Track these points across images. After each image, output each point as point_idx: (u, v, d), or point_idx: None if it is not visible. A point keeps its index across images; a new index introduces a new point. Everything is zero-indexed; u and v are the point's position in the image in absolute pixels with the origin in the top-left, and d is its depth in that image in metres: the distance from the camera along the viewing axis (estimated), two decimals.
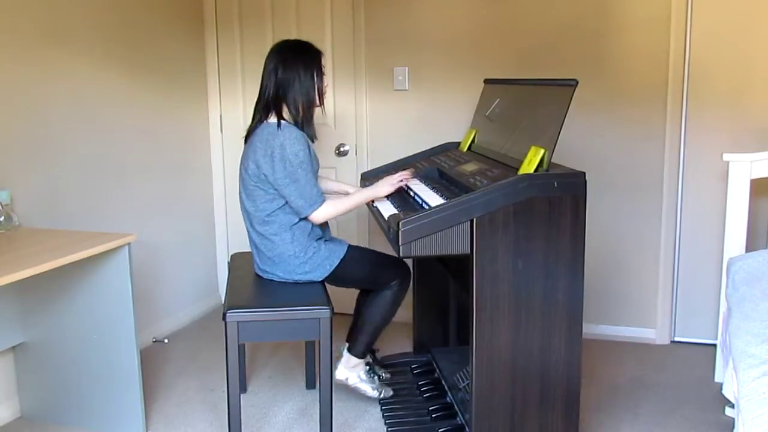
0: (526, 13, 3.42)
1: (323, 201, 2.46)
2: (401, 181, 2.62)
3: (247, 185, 2.50)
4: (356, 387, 2.72)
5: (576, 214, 2.15)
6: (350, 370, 2.71)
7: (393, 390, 2.85)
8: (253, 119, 2.55)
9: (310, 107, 2.52)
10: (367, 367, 2.76)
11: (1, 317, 2.59)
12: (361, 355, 2.70)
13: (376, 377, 2.78)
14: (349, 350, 2.71)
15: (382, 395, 2.76)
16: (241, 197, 2.57)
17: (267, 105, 2.51)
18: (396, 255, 2.64)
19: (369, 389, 2.73)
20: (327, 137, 3.81)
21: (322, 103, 2.58)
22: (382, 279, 2.61)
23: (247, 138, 2.56)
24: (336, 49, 3.74)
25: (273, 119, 2.47)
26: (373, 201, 2.64)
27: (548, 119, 2.28)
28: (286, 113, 2.50)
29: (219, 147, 4.02)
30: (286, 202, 2.47)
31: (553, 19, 3.38)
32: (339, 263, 2.52)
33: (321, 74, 2.55)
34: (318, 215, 2.46)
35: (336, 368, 2.69)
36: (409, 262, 3.33)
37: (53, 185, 2.92)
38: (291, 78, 2.48)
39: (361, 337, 2.67)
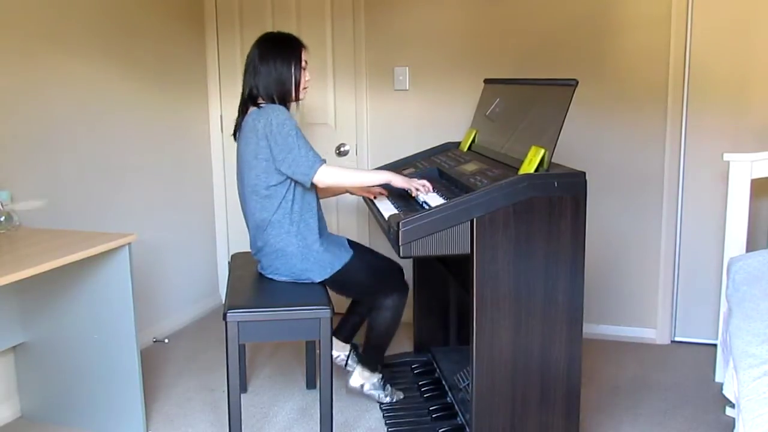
0: (526, 13, 3.42)
1: (323, 162, 2.40)
2: (417, 189, 2.49)
3: (248, 181, 2.47)
4: (370, 394, 2.78)
5: (576, 214, 2.15)
6: (365, 380, 2.77)
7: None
8: (238, 115, 2.54)
9: (285, 100, 2.49)
10: (380, 376, 2.80)
11: (1, 317, 2.59)
12: (374, 369, 2.77)
13: (388, 385, 2.82)
14: (362, 364, 2.76)
15: (394, 399, 2.82)
16: (242, 195, 2.55)
17: (246, 97, 2.51)
18: (396, 267, 2.70)
19: (382, 395, 2.79)
20: (327, 137, 3.82)
21: (298, 98, 2.55)
22: (379, 293, 2.63)
23: (235, 135, 2.56)
24: (336, 49, 3.74)
25: (252, 108, 2.47)
26: (375, 194, 2.64)
27: (548, 119, 2.28)
28: (263, 103, 2.48)
29: (219, 147, 4.02)
30: (290, 180, 2.44)
31: (553, 19, 3.38)
32: (340, 269, 2.51)
33: (300, 67, 2.51)
34: (322, 176, 2.37)
35: (350, 377, 2.77)
36: (409, 261, 3.34)
37: (53, 185, 2.92)
38: (267, 70, 2.47)
39: (370, 353, 2.74)
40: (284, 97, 2.49)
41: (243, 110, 2.52)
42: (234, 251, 4.02)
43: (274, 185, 2.43)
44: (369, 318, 2.72)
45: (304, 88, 2.56)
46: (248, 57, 2.53)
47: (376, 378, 2.78)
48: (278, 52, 2.49)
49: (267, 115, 2.38)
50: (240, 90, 3.82)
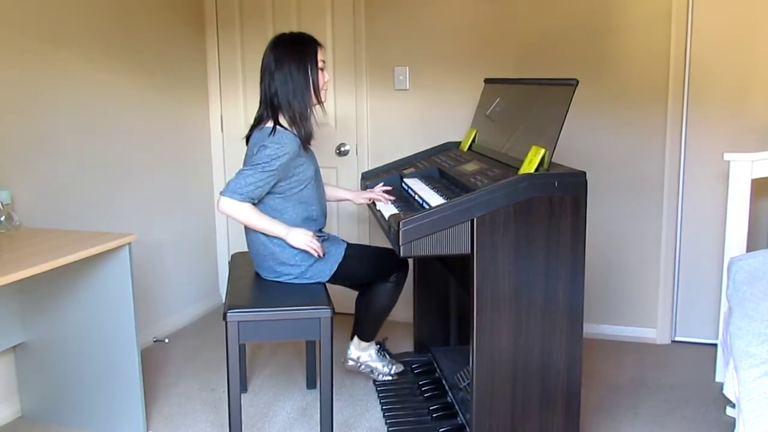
0: (527, 12, 3.42)
1: (244, 201, 2.35)
2: (313, 248, 2.44)
3: None
4: (367, 365, 2.83)
5: (576, 214, 2.15)
6: (361, 351, 2.82)
7: (394, 390, 2.86)
8: (254, 120, 2.53)
9: (306, 106, 2.45)
10: (378, 346, 2.86)
11: (1, 317, 2.59)
12: (369, 339, 2.80)
13: (386, 354, 2.88)
14: (359, 336, 2.79)
15: (393, 371, 2.87)
16: None
17: (265, 106, 2.48)
18: (391, 251, 2.67)
19: (379, 366, 2.84)
20: (327, 137, 3.81)
21: (320, 100, 2.50)
22: (381, 274, 2.63)
23: (247, 140, 2.55)
24: (337, 49, 3.74)
25: (269, 123, 2.43)
26: (382, 198, 2.67)
27: (549, 119, 2.28)
28: (282, 115, 2.45)
29: (220, 147, 4.02)
30: (287, 192, 2.44)
31: (554, 18, 3.38)
32: (338, 266, 2.52)
33: (316, 68, 2.45)
34: (225, 204, 2.35)
35: (348, 349, 2.83)
36: (409, 261, 3.33)
37: (54, 185, 2.92)
38: (284, 77, 2.42)
39: (366, 327, 2.75)
40: (305, 103, 2.44)
41: (261, 118, 2.48)
42: (234, 251, 4.02)
43: (270, 199, 2.45)
44: (367, 293, 2.68)
45: (324, 89, 2.52)
46: (263, 63, 2.48)
47: (372, 349, 2.83)
48: (293, 56, 2.43)
49: (269, 142, 2.35)
50: (242, 90, 3.91)
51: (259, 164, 2.35)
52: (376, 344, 2.87)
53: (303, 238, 2.44)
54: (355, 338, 2.80)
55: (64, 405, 2.68)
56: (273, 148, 2.35)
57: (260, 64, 2.50)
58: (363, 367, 2.85)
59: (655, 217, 3.41)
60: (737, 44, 3.18)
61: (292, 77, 2.43)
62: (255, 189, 2.36)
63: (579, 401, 2.27)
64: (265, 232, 2.44)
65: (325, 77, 2.51)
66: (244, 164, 2.44)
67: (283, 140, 2.37)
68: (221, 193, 2.37)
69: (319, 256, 2.46)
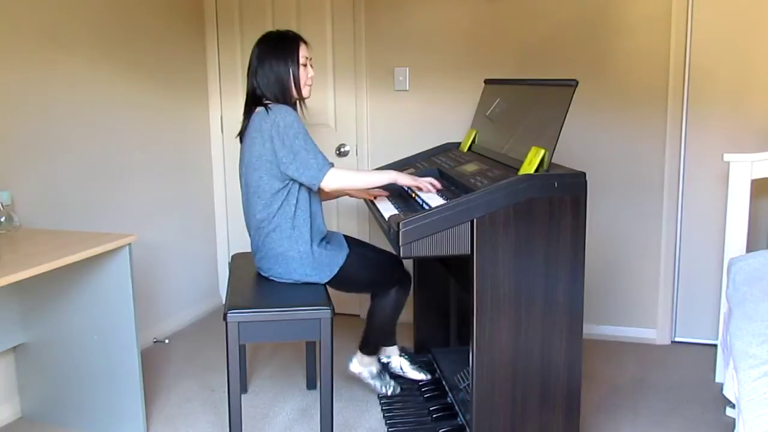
0: (527, 13, 3.42)
1: (331, 165, 2.38)
2: (428, 188, 2.49)
3: (251, 183, 2.46)
4: (368, 382, 2.84)
5: (576, 215, 2.15)
6: (363, 366, 2.82)
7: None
8: (243, 117, 2.52)
9: (286, 99, 2.46)
10: (380, 365, 2.87)
11: (1, 318, 2.59)
12: (371, 354, 2.81)
13: (386, 375, 2.89)
14: (361, 349, 2.80)
15: (390, 392, 2.86)
16: (245, 197, 2.54)
17: (250, 98, 2.50)
18: (396, 259, 2.69)
19: (378, 385, 2.84)
20: (327, 137, 3.82)
21: (301, 95, 2.51)
22: (382, 285, 2.64)
23: (241, 137, 2.54)
24: (337, 50, 3.74)
25: (259, 108, 2.43)
26: (375, 195, 2.65)
27: (548, 119, 2.28)
28: (269, 103, 2.46)
29: (219, 147, 4.02)
30: (292, 184, 2.43)
31: (554, 18, 3.38)
32: (339, 269, 2.51)
33: (298, 64, 2.47)
34: (329, 180, 2.37)
35: (350, 361, 2.84)
36: (409, 262, 3.34)
37: (54, 186, 2.92)
38: (266, 71, 2.45)
39: (369, 339, 2.78)
40: (285, 96, 2.47)
41: (248, 111, 2.49)
42: (234, 251, 4.03)
43: (277, 191, 2.42)
44: (370, 306, 2.72)
45: (308, 85, 2.52)
46: (249, 58, 2.51)
47: (374, 367, 2.83)
48: (274, 51, 2.47)
49: (274, 117, 2.35)
50: (242, 90, 3.90)
51: (293, 138, 2.34)
52: (378, 361, 2.87)
53: (413, 177, 2.51)
54: (358, 353, 2.80)
55: (64, 406, 2.68)
56: (282, 117, 2.34)
57: None
58: (363, 380, 2.86)
59: (654, 218, 3.41)
60: (737, 45, 3.18)
61: (273, 72, 2.45)
62: (318, 153, 2.37)
63: (579, 401, 2.27)
64: (374, 185, 2.49)
65: (309, 74, 2.51)
66: (251, 157, 2.41)
67: (281, 108, 2.37)
68: (319, 182, 2.37)
69: (434, 188, 2.52)
